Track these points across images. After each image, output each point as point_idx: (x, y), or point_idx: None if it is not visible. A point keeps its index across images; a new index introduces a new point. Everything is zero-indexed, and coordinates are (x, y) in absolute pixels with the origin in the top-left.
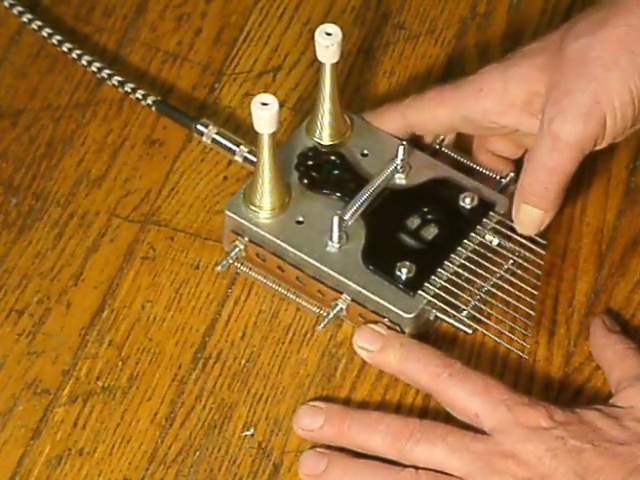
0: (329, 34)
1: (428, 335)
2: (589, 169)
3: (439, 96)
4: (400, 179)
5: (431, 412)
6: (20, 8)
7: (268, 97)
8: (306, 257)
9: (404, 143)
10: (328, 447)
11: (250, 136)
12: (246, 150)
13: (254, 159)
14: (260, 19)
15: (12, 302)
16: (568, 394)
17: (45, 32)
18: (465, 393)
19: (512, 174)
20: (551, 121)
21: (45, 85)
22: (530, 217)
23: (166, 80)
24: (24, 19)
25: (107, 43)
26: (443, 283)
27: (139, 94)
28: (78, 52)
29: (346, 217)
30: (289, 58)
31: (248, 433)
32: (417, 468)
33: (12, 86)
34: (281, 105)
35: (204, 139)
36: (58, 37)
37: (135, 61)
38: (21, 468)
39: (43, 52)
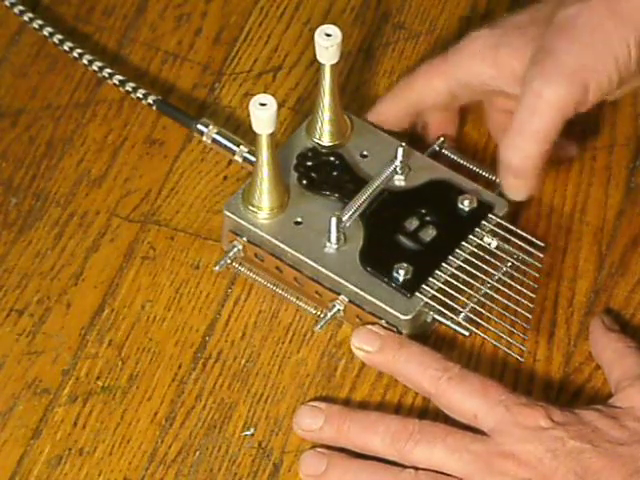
0: (329, 35)
1: (427, 336)
2: (589, 169)
3: (431, 67)
4: (399, 180)
5: (431, 413)
6: (21, 7)
7: (266, 97)
8: (304, 258)
9: (403, 144)
10: (328, 447)
11: (250, 136)
12: (246, 150)
13: (254, 159)
14: (260, 19)
15: (12, 302)
16: (568, 394)
17: (46, 31)
18: (463, 395)
19: None
20: (532, 80)
21: (45, 85)
22: (515, 186)
23: (166, 80)
24: (25, 18)
25: (107, 43)
26: (440, 285)
27: (140, 93)
28: (79, 51)
29: (344, 218)
30: (289, 58)
31: (248, 433)
32: (417, 469)
33: (12, 86)
34: (281, 105)
35: (204, 139)
36: (59, 36)
37: (135, 61)
38: (21, 468)
39: (43, 52)
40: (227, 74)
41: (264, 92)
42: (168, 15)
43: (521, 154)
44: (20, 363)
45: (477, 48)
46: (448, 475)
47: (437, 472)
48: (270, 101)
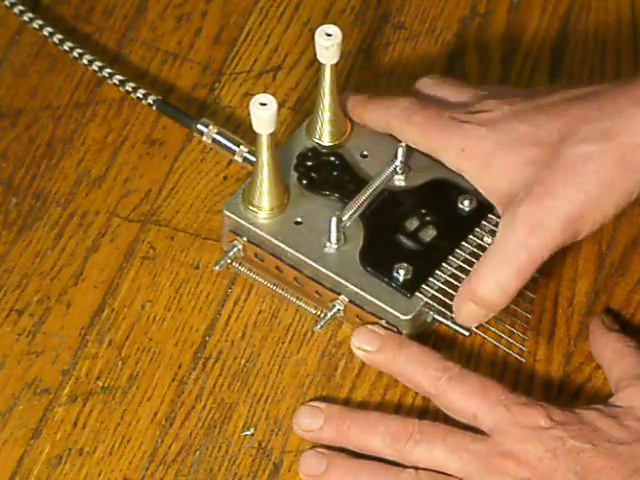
0: (329, 35)
1: (427, 336)
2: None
3: (423, 129)
4: (399, 180)
5: (431, 412)
6: (21, 7)
7: (267, 97)
8: (304, 258)
9: (403, 145)
10: (328, 447)
11: (250, 136)
12: (246, 150)
13: (254, 159)
14: (260, 19)
15: (12, 302)
16: (568, 394)
17: (46, 31)
18: (463, 395)
19: None
20: (527, 217)
21: (45, 85)
22: (474, 315)
23: (166, 80)
24: (25, 18)
25: (107, 43)
26: (440, 285)
27: (140, 93)
28: (79, 51)
29: (344, 218)
30: (289, 58)
31: (248, 433)
32: (417, 469)
33: (12, 86)
34: (281, 105)
35: (204, 139)
36: (59, 36)
37: (135, 61)
38: (21, 468)
39: (43, 52)
40: (227, 74)
41: (264, 92)
42: (168, 15)
43: (497, 288)
44: (20, 363)
45: (468, 147)
46: (448, 475)
47: (437, 472)
48: (270, 101)
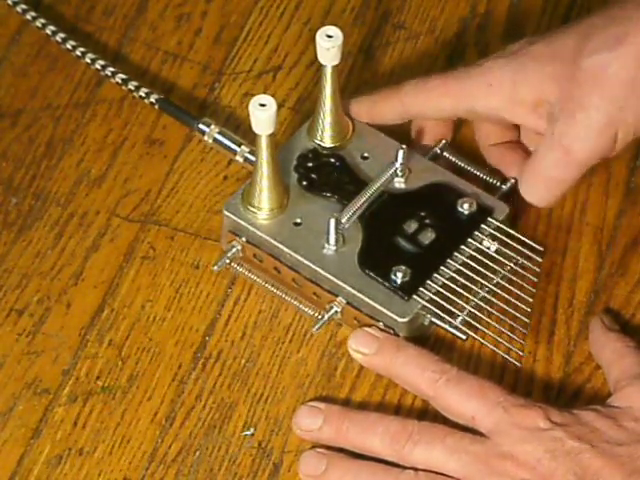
0: (330, 36)
1: (426, 338)
2: (589, 169)
3: (444, 86)
4: (399, 183)
5: (430, 413)
6: (23, 6)
7: (266, 98)
8: (302, 259)
9: (404, 147)
10: (328, 447)
11: (250, 136)
12: (247, 150)
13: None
14: (260, 19)
15: (12, 302)
16: (568, 394)
17: (49, 30)
18: (461, 396)
19: (513, 180)
20: (562, 135)
21: (45, 85)
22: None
23: (166, 80)
24: (27, 17)
25: (107, 42)
26: (438, 288)
27: (142, 92)
28: (82, 50)
29: (343, 220)
30: (289, 58)
31: (248, 433)
32: (416, 470)
33: (12, 86)
34: (281, 105)
35: (206, 138)
36: (62, 35)
37: (135, 61)
38: (21, 468)
39: (43, 52)
40: (227, 74)
41: (264, 92)
42: (168, 15)
43: (541, 198)
44: (20, 363)
45: (493, 80)
46: (447, 476)
47: (436, 473)
48: (270, 102)
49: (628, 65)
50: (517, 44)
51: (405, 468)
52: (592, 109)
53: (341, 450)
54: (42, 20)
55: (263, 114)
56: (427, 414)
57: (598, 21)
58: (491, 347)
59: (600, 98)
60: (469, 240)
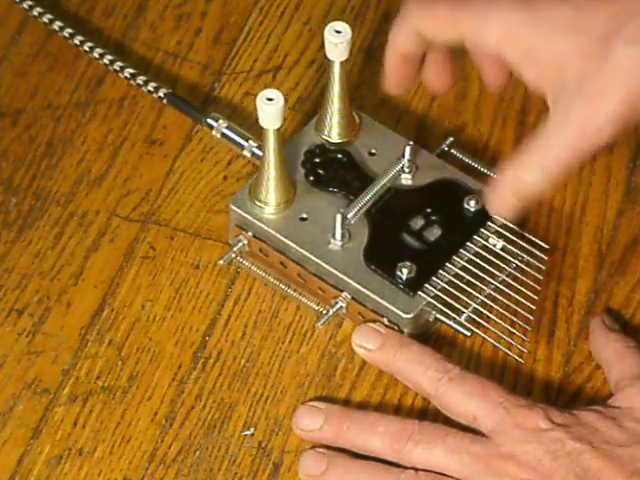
0: (338, 32)
1: (428, 336)
2: (589, 168)
3: (456, 13)
4: (406, 179)
5: (431, 413)
6: (30, 2)
7: (274, 92)
8: (308, 254)
9: (411, 143)
10: (328, 447)
11: (252, 134)
12: (255, 145)
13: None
14: (260, 19)
15: (12, 302)
16: (568, 394)
17: (56, 25)
18: (463, 396)
19: None
20: (579, 118)
21: (45, 85)
22: (509, 203)
23: (166, 80)
24: (34, 13)
25: (107, 42)
26: (443, 285)
27: (150, 87)
28: (89, 45)
29: (349, 215)
30: (289, 58)
31: (248, 433)
32: (417, 470)
33: (12, 86)
34: None
35: (214, 133)
36: (69, 30)
37: (135, 61)
38: (21, 468)
39: (43, 51)
40: (227, 74)
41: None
42: (168, 15)
43: (541, 175)
44: (20, 363)
45: (519, 37)
46: (448, 476)
47: (437, 473)
48: (277, 96)
49: None
50: None
51: (405, 468)
52: (615, 101)
53: (341, 450)
54: (49, 15)
55: (271, 108)
56: (427, 414)
57: (635, 5)
58: (494, 343)
59: (627, 94)
60: (475, 237)
